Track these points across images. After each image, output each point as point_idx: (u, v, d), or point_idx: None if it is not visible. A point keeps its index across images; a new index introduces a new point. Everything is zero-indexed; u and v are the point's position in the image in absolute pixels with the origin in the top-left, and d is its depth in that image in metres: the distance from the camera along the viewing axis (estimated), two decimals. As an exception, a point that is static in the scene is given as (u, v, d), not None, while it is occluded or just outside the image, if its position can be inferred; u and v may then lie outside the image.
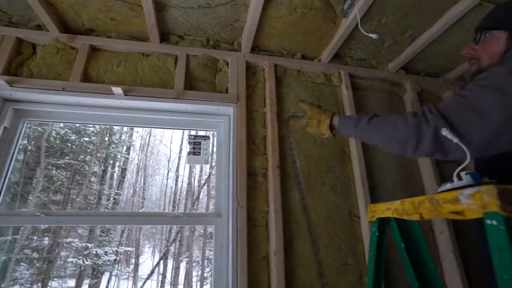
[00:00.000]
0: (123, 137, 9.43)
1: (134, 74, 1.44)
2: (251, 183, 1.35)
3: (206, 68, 1.53)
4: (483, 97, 0.66)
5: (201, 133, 1.60)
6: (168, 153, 11.75)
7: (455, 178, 0.68)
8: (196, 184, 9.83)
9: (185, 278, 8.60)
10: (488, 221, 0.56)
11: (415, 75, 1.83)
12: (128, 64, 1.45)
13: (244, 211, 1.26)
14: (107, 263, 7.11)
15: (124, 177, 9.83)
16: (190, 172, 9.38)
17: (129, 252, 9.62)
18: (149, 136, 11.75)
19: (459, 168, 0.69)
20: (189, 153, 1.48)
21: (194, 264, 8.76)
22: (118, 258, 8.22)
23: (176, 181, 10.09)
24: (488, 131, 0.65)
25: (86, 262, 6.64)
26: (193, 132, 1.56)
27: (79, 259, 6.58)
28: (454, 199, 0.63)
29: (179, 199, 10.33)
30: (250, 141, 1.42)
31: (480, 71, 0.85)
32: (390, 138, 0.79)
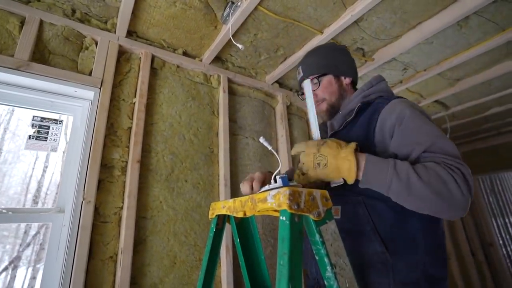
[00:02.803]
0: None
1: (-48, 28, 1.11)
2: (106, 176, 1.24)
3: (67, 42, 1.32)
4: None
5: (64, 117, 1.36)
6: (38, 138, 9.54)
7: (272, 180, 0.80)
8: (72, 176, 8.31)
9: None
10: (281, 217, 0.67)
11: (287, 90, 2.09)
12: None
13: (91, 206, 1.14)
14: None
15: (-42, 162, 7.36)
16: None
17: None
18: (11, 114, 9.34)
19: (275, 173, 0.81)
20: (30, 137, 1.24)
21: (59, 271, 7.34)
22: None
23: (44, 171, 8.33)
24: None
25: None
26: (41, 114, 1.32)
27: None
28: (264, 198, 0.72)
29: (46, 193, 8.57)
30: (111, 131, 1.30)
31: (333, 106, 1.04)
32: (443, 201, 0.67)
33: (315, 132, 0.86)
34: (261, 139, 0.77)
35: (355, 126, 0.91)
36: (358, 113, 0.92)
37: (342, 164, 0.70)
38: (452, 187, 0.65)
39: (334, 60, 1.04)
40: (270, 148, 0.76)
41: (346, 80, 1.04)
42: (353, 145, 0.72)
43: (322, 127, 1.10)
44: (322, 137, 1.05)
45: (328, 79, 1.03)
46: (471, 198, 0.67)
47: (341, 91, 1.03)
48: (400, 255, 0.75)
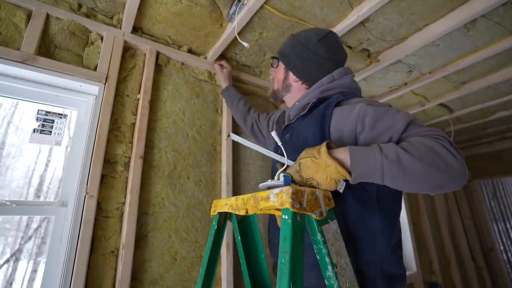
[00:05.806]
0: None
1: (-43, 19, 1.11)
2: (109, 171, 1.24)
3: (73, 37, 1.33)
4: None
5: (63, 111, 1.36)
6: (41, 132, 9.55)
7: (276, 177, 0.80)
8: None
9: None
10: (283, 216, 0.67)
11: (290, 90, 2.09)
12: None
13: (93, 201, 1.14)
14: None
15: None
16: (67, 156, 7.89)
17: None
18: (15, 108, 9.37)
19: (280, 170, 0.81)
20: (34, 131, 1.24)
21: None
22: None
23: (46, 166, 8.37)
24: None
25: None
26: (45, 107, 1.32)
27: None
28: (267, 197, 0.73)
29: (48, 187, 8.61)
30: (115, 127, 1.31)
31: (275, 92, 1.10)
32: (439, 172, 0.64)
33: (281, 160, 0.80)
34: (273, 133, 0.76)
35: (306, 119, 0.90)
36: (312, 108, 0.90)
37: (329, 173, 0.66)
38: (445, 155, 0.63)
39: (292, 53, 1.00)
40: (280, 143, 0.76)
41: (293, 77, 1.01)
42: (323, 147, 0.67)
43: (282, 118, 1.14)
44: (276, 130, 1.12)
45: (281, 66, 1.07)
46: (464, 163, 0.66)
47: (285, 84, 1.04)
48: (360, 254, 0.77)
